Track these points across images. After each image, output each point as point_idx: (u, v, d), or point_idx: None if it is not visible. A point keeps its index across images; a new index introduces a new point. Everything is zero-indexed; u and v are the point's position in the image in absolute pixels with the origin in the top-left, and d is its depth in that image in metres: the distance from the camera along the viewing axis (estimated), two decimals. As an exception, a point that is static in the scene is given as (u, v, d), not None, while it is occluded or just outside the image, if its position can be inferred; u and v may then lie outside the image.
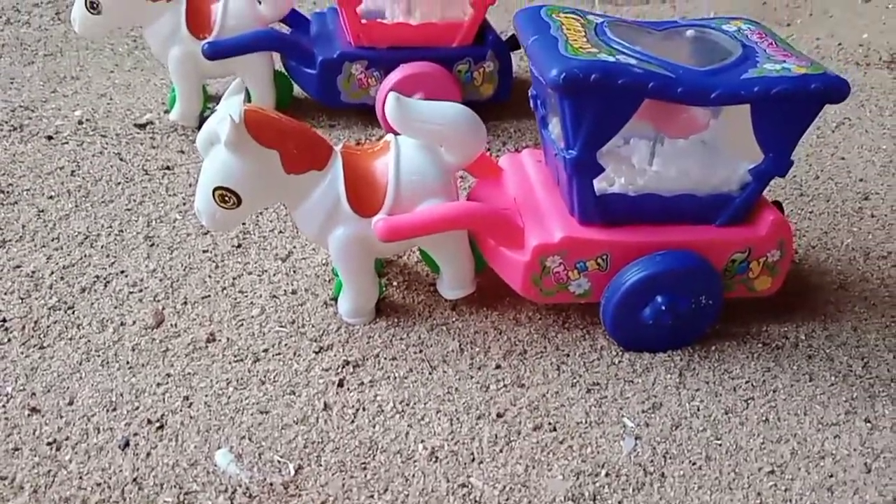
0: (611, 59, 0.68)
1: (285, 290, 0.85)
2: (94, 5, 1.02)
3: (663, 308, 0.77)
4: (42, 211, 0.95)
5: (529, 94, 0.85)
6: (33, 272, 0.86)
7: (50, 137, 1.07)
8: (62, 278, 0.85)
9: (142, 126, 1.10)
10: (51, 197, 0.97)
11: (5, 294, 0.83)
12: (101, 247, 0.90)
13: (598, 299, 0.80)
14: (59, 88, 1.21)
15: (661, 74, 0.68)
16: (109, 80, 1.24)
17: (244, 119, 0.71)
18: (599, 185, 0.76)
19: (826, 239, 1.00)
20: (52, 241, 0.90)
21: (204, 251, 0.90)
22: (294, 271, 0.88)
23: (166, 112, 1.14)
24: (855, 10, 1.82)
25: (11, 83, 1.22)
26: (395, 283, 0.87)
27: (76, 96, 1.19)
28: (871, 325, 0.86)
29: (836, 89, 0.70)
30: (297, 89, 1.17)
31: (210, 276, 0.87)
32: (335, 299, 0.84)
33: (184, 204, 0.97)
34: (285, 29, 1.17)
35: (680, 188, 0.77)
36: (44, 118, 1.11)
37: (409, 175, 0.76)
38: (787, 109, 0.71)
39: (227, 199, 0.74)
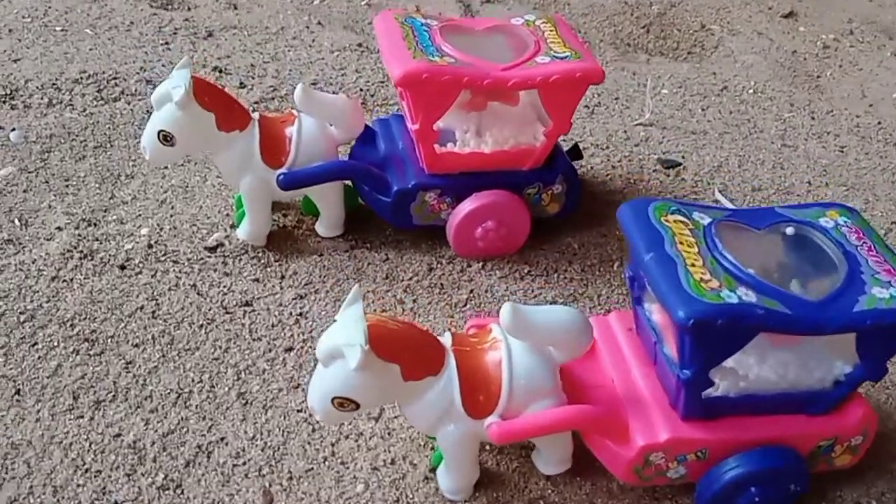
0: (733, 297, 0.71)
1: (384, 460, 0.88)
2: (168, 138, 1.01)
3: (756, 499, 0.82)
4: (130, 363, 0.95)
5: (625, 274, 0.87)
6: (134, 442, 0.87)
7: (122, 267, 1.06)
8: (164, 449, 0.87)
9: (212, 249, 1.10)
10: (136, 345, 0.97)
11: (111, 470, 0.84)
12: (196, 406, 0.91)
13: (692, 480, 0.84)
14: (116, 192, 1.19)
15: (780, 313, 0.71)
16: (165, 180, 1.22)
17: (369, 337, 0.72)
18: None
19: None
20: (146, 400, 0.91)
21: (298, 410, 0.92)
22: (389, 433, 0.90)
23: (232, 227, 1.14)
24: (884, 64, 1.84)
25: (67, 186, 1.19)
26: (487, 448, 0.90)
27: (136, 203, 1.17)
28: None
29: (942, 317, 0.74)
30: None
31: (309, 443, 0.89)
32: (434, 470, 0.87)
33: (269, 351, 0.98)
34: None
35: (777, 389, 0.81)
36: (111, 238, 1.10)
37: (521, 378, 0.78)
38: (893, 333, 0.74)
39: (345, 405, 0.76)
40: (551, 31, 1.09)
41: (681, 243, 0.77)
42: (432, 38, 1.04)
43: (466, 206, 1.08)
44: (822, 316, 0.72)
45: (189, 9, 1.73)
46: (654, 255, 0.75)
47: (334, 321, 0.75)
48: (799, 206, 0.86)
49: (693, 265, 0.74)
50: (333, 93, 1.45)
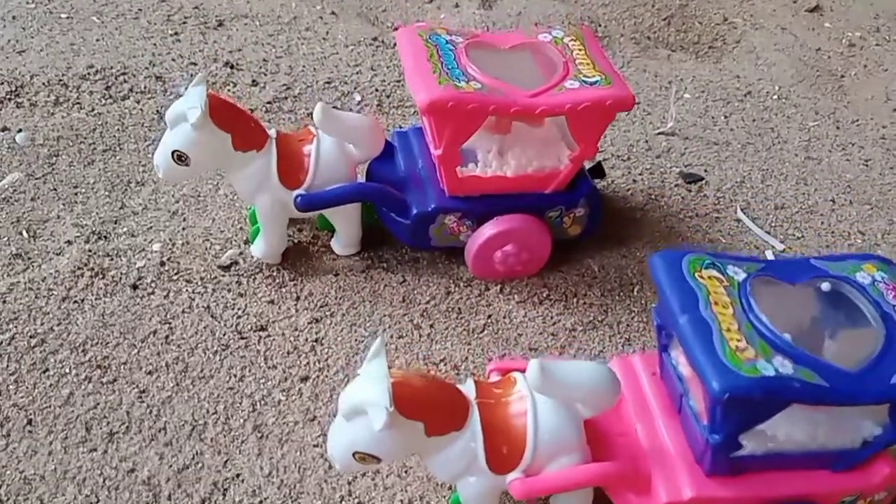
0: (769, 368, 0.69)
1: (401, 500, 0.87)
2: (183, 158, 0.97)
3: (780, 555, 0.81)
4: (143, 392, 0.93)
5: (654, 322, 0.85)
6: (149, 478, 0.86)
7: (135, 287, 1.03)
8: (179, 486, 0.86)
9: (226, 268, 1.07)
10: (149, 373, 0.95)
11: (127, 508, 0.84)
12: (211, 440, 0.90)
13: (714, 532, 0.83)
14: (126, 202, 1.16)
15: (817, 387, 0.69)
16: (177, 188, 1.19)
17: (393, 397, 0.70)
18: (732, 450, 0.78)
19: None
20: (160, 432, 0.90)
21: (314, 445, 0.91)
22: (405, 472, 0.89)
23: (246, 243, 1.11)
24: (910, 65, 1.79)
25: (76, 193, 1.16)
26: (506, 494, 0.89)
27: (147, 214, 1.14)
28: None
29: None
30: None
31: (326, 481, 0.87)
32: (452, 512, 0.86)
33: (285, 380, 0.96)
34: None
35: (805, 449, 0.79)
36: (122, 253, 1.07)
37: (546, 434, 0.77)
38: (929, 403, 0.73)
39: (366, 459, 0.74)
40: (580, 49, 1.05)
41: (715, 303, 0.75)
42: (457, 59, 1.00)
43: (486, 231, 1.06)
44: (859, 388, 0.70)
45: (198, -7, 1.68)
46: (689, 318, 0.73)
47: (357, 374, 0.74)
48: (835, 258, 0.83)
49: (728, 329, 0.72)
50: (348, 92, 1.43)
